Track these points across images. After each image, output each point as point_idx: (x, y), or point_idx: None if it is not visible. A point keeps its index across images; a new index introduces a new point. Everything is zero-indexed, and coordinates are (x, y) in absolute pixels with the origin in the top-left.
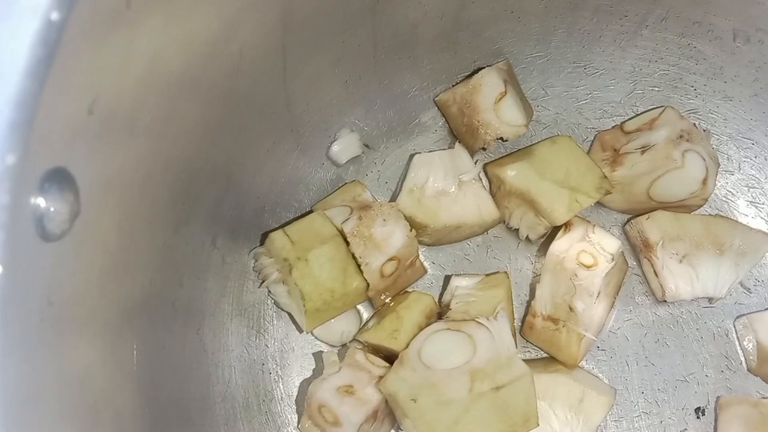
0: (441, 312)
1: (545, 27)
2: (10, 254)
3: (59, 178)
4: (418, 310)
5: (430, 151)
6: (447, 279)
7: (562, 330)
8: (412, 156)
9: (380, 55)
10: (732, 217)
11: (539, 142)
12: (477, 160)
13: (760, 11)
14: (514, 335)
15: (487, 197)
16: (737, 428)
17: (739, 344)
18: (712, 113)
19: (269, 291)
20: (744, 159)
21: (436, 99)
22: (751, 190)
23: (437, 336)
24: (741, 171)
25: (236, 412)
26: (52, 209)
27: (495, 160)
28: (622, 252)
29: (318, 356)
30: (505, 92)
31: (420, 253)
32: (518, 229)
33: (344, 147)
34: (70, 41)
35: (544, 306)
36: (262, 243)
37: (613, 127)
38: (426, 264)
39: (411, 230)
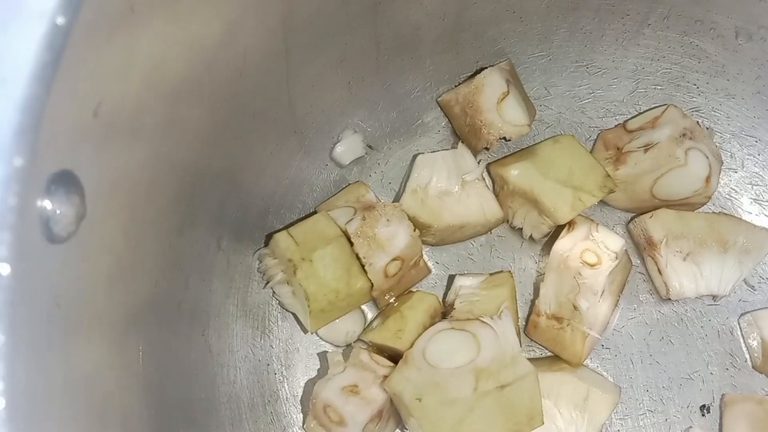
0: (445, 311)
1: (547, 27)
2: (19, 255)
3: (65, 181)
4: (422, 310)
5: (433, 152)
6: (451, 279)
7: (566, 329)
8: (415, 156)
9: (383, 57)
10: (735, 215)
11: (542, 141)
12: (480, 160)
13: (761, 9)
14: (518, 334)
15: (490, 197)
16: (742, 425)
17: (744, 341)
18: (714, 111)
19: (274, 292)
20: (747, 156)
21: (438, 99)
22: (754, 187)
23: (441, 335)
24: (744, 168)
25: (241, 413)
26: (58, 211)
27: (498, 159)
28: (626, 250)
29: (323, 356)
30: (508, 92)
31: (424, 253)
32: (522, 229)
33: (347, 148)
34: (76, 45)
35: (548, 305)
36: (266, 244)
37: (615, 126)
38: (430, 264)
39: (414, 230)
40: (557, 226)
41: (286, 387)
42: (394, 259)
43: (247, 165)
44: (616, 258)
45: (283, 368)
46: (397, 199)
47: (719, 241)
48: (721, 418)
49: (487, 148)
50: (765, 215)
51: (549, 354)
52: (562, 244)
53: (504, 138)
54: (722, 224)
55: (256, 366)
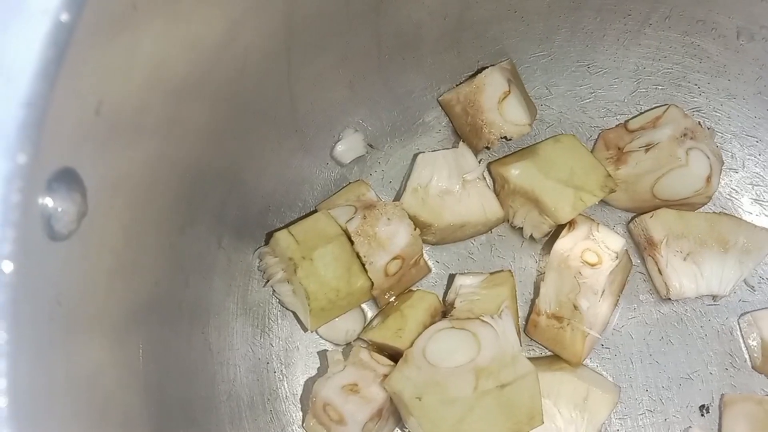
0: (445, 310)
1: (548, 26)
2: (22, 252)
3: (67, 178)
4: (423, 309)
5: (434, 151)
6: (451, 278)
7: (566, 328)
8: (416, 155)
9: (384, 56)
10: (736, 215)
11: (543, 141)
12: (481, 159)
13: (763, 9)
14: (518, 333)
15: (491, 196)
16: (742, 426)
17: (744, 342)
18: (715, 111)
19: (274, 290)
20: (748, 157)
21: (439, 99)
22: (755, 187)
23: (442, 334)
24: (745, 169)
25: (241, 411)
26: (59, 209)
27: (499, 159)
28: (627, 250)
29: (323, 355)
30: (509, 91)
31: (424, 251)
32: (522, 228)
33: (348, 147)
34: (79, 42)
35: (549, 304)
36: (267, 243)
37: (616, 126)
38: (430, 263)
39: (415, 229)
40: (558, 225)
41: (286, 385)
42: (394, 258)
43: (247, 164)
44: (617, 258)
45: (283, 366)
46: (397, 198)
47: (720, 241)
48: (720, 418)
49: (488, 148)
50: (765, 215)
51: (549, 353)
52: (563, 243)
53: (505, 137)
54: (723, 224)
55: (256, 364)
